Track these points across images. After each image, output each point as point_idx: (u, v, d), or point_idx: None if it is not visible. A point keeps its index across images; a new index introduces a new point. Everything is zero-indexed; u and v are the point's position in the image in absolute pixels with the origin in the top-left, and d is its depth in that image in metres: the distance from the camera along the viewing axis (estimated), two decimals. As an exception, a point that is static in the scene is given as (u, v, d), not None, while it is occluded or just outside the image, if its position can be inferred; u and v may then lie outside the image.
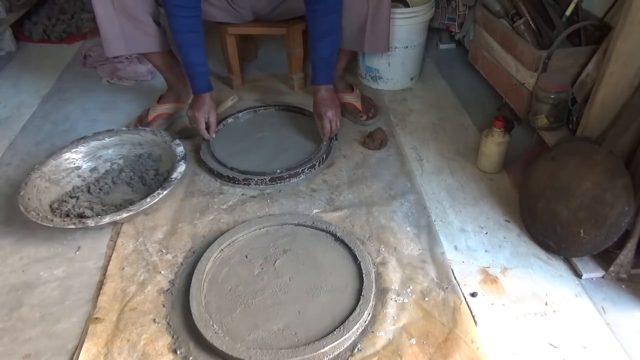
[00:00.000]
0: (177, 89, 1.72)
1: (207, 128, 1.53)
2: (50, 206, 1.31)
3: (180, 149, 1.40)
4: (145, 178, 1.42)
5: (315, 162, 1.48)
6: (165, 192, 1.26)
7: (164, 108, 1.70)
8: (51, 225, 1.17)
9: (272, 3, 1.69)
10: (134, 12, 1.44)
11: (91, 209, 1.30)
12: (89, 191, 1.38)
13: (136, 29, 1.48)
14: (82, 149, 1.44)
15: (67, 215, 1.28)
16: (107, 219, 1.18)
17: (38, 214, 1.20)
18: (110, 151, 1.48)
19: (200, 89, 1.50)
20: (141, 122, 1.68)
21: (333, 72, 1.55)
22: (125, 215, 1.20)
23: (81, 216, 1.27)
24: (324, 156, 1.51)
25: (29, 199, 1.25)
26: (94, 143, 1.46)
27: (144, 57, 1.67)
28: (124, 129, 1.54)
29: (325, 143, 1.54)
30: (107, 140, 1.47)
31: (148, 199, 1.24)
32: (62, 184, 1.38)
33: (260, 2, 1.69)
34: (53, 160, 1.39)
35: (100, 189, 1.39)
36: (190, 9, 1.40)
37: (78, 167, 1.43)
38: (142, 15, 1.46)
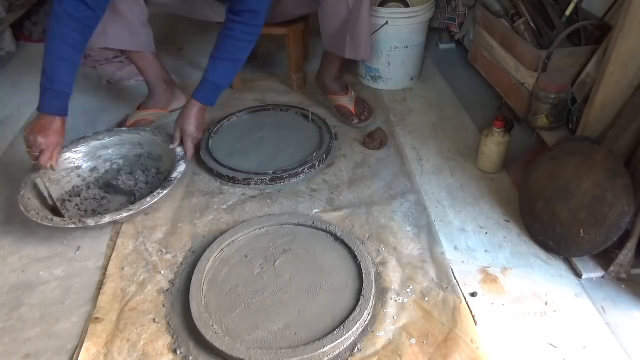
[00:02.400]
0: (159, 94, 1.69)
1: (42, 156, 1.25)
2: (59, 201, 1.32)
3: (180, 150, 1.40)
4: (147, 177, 1.42)
5: (315, 162, 1.47)
6: (165, 192, 1.26)
7: (144, 114, 1.67)
8: (51, 225, 1.17)
9: None
10: (120, 9, 1.43)
11: (92, 209, 1.30)
12: (88, 191, 1.39)
13: (120, 25, 1.46)
14: (82, 148, 1.44)
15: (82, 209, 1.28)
16: (107, 219, 1.18)
17: (38, 214, 1.20)
18: (110, 151, 1.48)
19: (51, 108, 1.25)
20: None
21: (218, 96, 1.45)
22: (125, 215, 1.20)
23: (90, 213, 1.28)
24: (324, 156, 1.51)
25: (29, 198, 1.25)
26: (94, 143, 1.46)
27: (127, 57, 1.64)
28: (124, 128, 1.54)
29: (184, 161, 1.38)
30: (107, 140, 1.47)
31: (148, 199, 1.24)
32: (62, 183, 1.38)
33: None
34: None
35: (100, 188, 1.40)
36: (78, 20, 1.24)
37: (78, 167, 1.43)
38: (128, 14, 1.46)
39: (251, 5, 1.33)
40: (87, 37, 1.30)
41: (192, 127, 1.41)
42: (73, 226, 1.17)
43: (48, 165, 1.26)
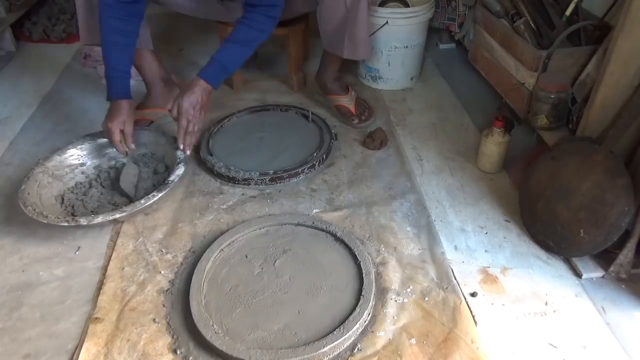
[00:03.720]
0: (158, 93, 1.69)
1: (124, 139, 1.39)
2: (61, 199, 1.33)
3: (180, 152, 1.40)
4: (148, 176, 1.42)
5: (315, 162, 1.47)
6: (160, 195, 1.26)
7: (143, 113, 1.67)
8: (45, 222, 1.18)
9: None
10: None
11: (92, 209, 1.30)
12: (90, 188, 1.39)
13: None
14: (87, 145, 1.45)
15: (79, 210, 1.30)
16: (99, 219, 1.19)
17: (34, 210, 1.20)
18: (114, 149, 1.48)
19: (115, 94, 1.37)
20: None
21: (222, 79, 1.41)
22: (117, 215, 1.20)
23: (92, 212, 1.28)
24: (324, 156, 1.51)
25: (28, 193, 1.26)
26: (100, 141, 1.47)
27: None
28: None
29: (180, 148, 1.38)
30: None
31: (142, 201, 1.24)
32: (65, 179, 1.39)
33: None
34: (58, 156, 1.39)
35: (103, 186, 1.40)
36: (121, 10, 1.31)
37: (83, 164, 1.44)
38: None
39: None
40: (133, 23, 1.36)
41: (187, 103, 1.35)
42: (66, 224, 1.17)
43: (130, 147, 1.40)
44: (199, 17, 1.71)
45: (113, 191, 1.39)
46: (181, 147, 1.39)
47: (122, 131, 1.37)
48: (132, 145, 1.40)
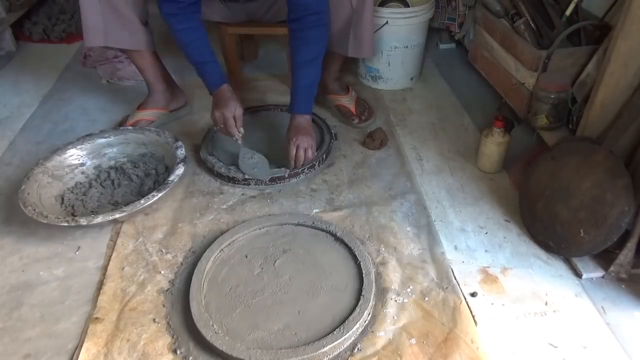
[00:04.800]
0: (159, 94, 1.69)
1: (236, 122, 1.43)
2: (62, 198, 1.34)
3: (180, 152, 1.40)
4: (151, 175, 1.43)
5: (315, 162, 1.47)
6: (159, 195, 1.26)
7: (144, 114, 1.67)
8: (45, 222, 1.18)
9: (264, 5, 1.69)
10: (120, 7, 1.44)
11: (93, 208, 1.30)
12: (90, 188, 1.39)
13: (119, 24, 1.46)
14: (87, 145, 1.45)
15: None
16: (99, 219, 1.19)
17: (34, 210, 1.20)
18: (115, 149, 1.49)
19: (215, 84, 1.44)
20: None
21: (313, 101, 1.48)
22: (117, 215, 1.20)
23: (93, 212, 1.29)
24: (324, 156, 1.51)
25: (28, 193, 1.26)
26: (100, 140, 1.47)
27: (127, 55, 1.64)
28: (130, 127, 1.55)
29: (290, 170, 1.44)
30: (112, 138, 1.48)
31: (142, 201, 1.24)
32: (65, 179, 1.39)
33: (252, 5, 1.69)
34: (58, 156, 1.40)
35: (103, 186, 1.40)
36: (184, 15, 1.38)
37: (82, 164, 1.44)
38: (127, 12, 1.46)
39: (314, 7, 1.36)
40: (196, 16, 1.42)
41: (300, 138, 1.42)
42: (66, 224, 1.17)
43: (239, 132, 1.42)
44: (201, 17, 1.71)
45: (110, 195, 1.39)
46: (292, 165, 1.44)
47: (228, 122, 1.41)
48: (242, 129, 1.43)
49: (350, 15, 1.51)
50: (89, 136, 1.47)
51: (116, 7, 1.43)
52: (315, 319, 1.04)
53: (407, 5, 1.88)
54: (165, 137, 1.46)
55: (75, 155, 1.43)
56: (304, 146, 1.42)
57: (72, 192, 1.37)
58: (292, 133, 1.44)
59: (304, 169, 1.45)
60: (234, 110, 1.41)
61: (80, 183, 1.40)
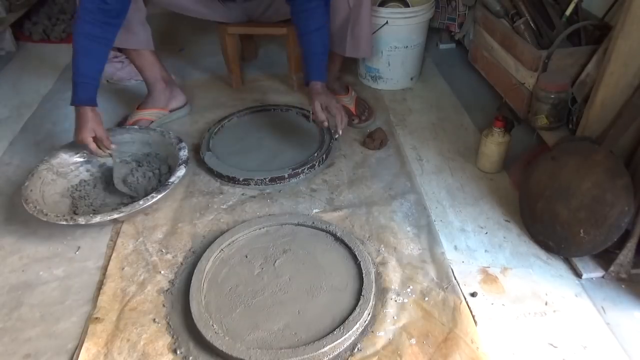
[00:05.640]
0: (158, 93, 1.69)
1: (99, 144, 1.36)
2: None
3: (183, 153, 1.40)
4: (151, 177, 1.43)
5: (315, 162, 1.47)
6: (159, 196, 1.26)
7: (144, 114, 1.67)
8: (45, 219, 1.18)
9: (261, 5, 1.69)
10: None
11: (95, 207, 1.30)
12: (95, 187, 1.39)
13: None
14: None
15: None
16: (98, 218, 1.19)
17: (35, 207, 1.20)
18: (120, 148, 1.48)
19: (79, 100, 1.32)
20: None
21: (326, 70, 1.50)
22: (116, 215, 1.20)
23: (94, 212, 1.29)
24: (324, 156, 1.51)
25: (31, 190, 1.26)
26: None
27: (127, 55, 1.63)
28: (135, 127, 1.55)
29: (338, 136, 1.46)
30: (118, 137, 1.48)
31: (141, 202, 1.24)
32: (70, 177, 1.39)
33: (249, 4, 1.69)
34: (63, 153, 1.40)
35: (108, 184, 1.40)
36: (100, 15, 1.28)
37: (88, 162, 1.44)
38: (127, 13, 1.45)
39: None
40: (111, 32, 1.33)
41: (329, 101, 1.42)
42: (64, 223, 1.17)
43: (110, 147, 1.38)
44: (199, 17, 1.71)
45: (112, 194, 1.39)
46: (340, 132, 1.44)
47: (94, 138, 1.33)
48: (113, 145, 1.39)
49: (347, 14, 1.51)
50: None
51: None
52: (315, 319, 1.04)
53: (407, 5, 1.88)
54: (169, 138, 1.46)
55: (80, 153, 1.43)
56: (337, 109, 1.42)
57: (76, 189, 1.37)
58: (317, 100, 1.42)
59: (304, 169, 1.45)
60: (92, 132, 1.32)
61: (85, 181, 1.41)
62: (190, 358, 0.99)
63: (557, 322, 1.05)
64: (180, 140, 1.44)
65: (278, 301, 1.08)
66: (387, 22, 1.76)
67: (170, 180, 1.30)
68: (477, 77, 1.89)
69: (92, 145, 1.33)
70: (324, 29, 1.44)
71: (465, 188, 1.43)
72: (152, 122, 1.68)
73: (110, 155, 1.40)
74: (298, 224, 1.27)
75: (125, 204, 1.30)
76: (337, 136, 1.47)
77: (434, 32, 2.20)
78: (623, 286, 1.12)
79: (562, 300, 1.10)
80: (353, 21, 1.52)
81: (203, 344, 1.00)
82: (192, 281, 1.10)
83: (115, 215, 1.20)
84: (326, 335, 0.99)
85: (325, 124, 1.43)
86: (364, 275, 1.11)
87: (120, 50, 1.59)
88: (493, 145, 1.41)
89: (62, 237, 1.28)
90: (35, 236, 1.29)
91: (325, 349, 0.96)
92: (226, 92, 1.93)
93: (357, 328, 1.01)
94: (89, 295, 1.13)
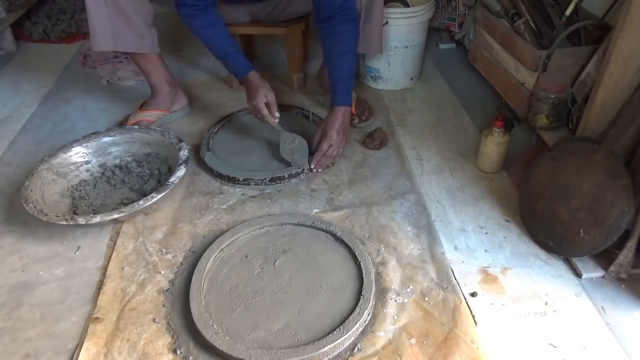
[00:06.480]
0: (163, 96, 1.69)
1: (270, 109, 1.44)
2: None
3: (183, 153, 1.40)
4: (155, 175, 1.43)
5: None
6: (159, 196, 1.26)
7: (146, 115, 1.67)
8: (45, 219, 1.18)
9: (268, 6, 1.69)
10: (127, 10, 1.43)
11: (95, 207, 1.30)
12: (95, 187, 1.39)
13: (126, 27, 1.46)
14: (93, 144, 1.46)
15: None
16: (97, 218, 1.19)
17: (35, 207, 1.20)
18: (120, 148, 1.49)
19: (242, 72, 1.46)
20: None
21: (351, 93, 1.50)
22: (116, 215, 1.20)
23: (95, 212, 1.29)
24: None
25: (31, 190, 1.26)
26: (106, 139, 1.47)
27: (132, 58, 1.63)
28: (135, 127, 1.55)
29: (305, 168, 1.43)
30: (118, 137, 1.48)
31: (141, 202, 1.24)
32: (70, 177, 1.39)
33: (257, 6, 1.69)
34: (63, 153, 1.40)
35: (109, 184, 1.41)
36: (200, 14, 1.41)
37: (88, 162, 1.44)
38: (134, 15, 1.45)
39: (340, 4, 1.38)
40: (212, 13, 1.44)
41: (332, 129, 1.43)
42: (64, 222, 1.17)
43: (274, 119, 1.44)
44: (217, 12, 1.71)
45: (115, 191, 1.39)
46: (312, 166, 1.44)
47: (266, 103, 1.42)
48: (277, 113, 1.44)
49: (359, 11, 1.51)
50: (95, 134, 1.47)
51: (123, 11, 1.43)
52: (315, 319, 1.04)
53: (407, 5, 1.88)
54: (169, 138, 1.46)
55: (80, 153, 1.43)
56: (333, 141, 1.43)
57: (76, 189, 1.37)
58: (327, 126, 1.45)
59: (304, 169, 1.45)
60: (264, 98, 1.42)
61: (85, 181, 1.41)
62: (190, 358, 0.99)
63: (557, 322, 1.05)
64: (181, 140, 1.44)
65: (278, 301, 1.08)
66: (387, 22, 1.75)
67: (170, 180, 1.30)
68: (477, 77, 1.89)
69: (264, 111, 1.41)
70: (351, 52, 1.45)
71: (465, 188, 1.43)
72: (153, 123, 1.68)
73: (275, 127, 1.46)
74: (298, 224, 1.27)
75: (125, 204, 1.30)
76: (311, 167, 1.44)
77: (434, 32, 2.20)
78: (623, 286, 1.12)
79: (562, 300, 1.10)
80: (365, 18, 1.53)
81: (203, 344, 1.00)
82: (192, 281, 1.10)
83: (115, 215, 1.20)
84: (326, 335, 0.99)
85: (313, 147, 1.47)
86: (364, 275, 1.11)
87: (126, 53, 1.59)
88: (493, 145, 1.41)
89: (62, 237, 1.28)
90: (35, 236, 1.29)
91: (325, 349, 0.96)
92: (226, 92, 1.93)
93: (357, 328, 1.01)
94: (89, 295, 1.13)
